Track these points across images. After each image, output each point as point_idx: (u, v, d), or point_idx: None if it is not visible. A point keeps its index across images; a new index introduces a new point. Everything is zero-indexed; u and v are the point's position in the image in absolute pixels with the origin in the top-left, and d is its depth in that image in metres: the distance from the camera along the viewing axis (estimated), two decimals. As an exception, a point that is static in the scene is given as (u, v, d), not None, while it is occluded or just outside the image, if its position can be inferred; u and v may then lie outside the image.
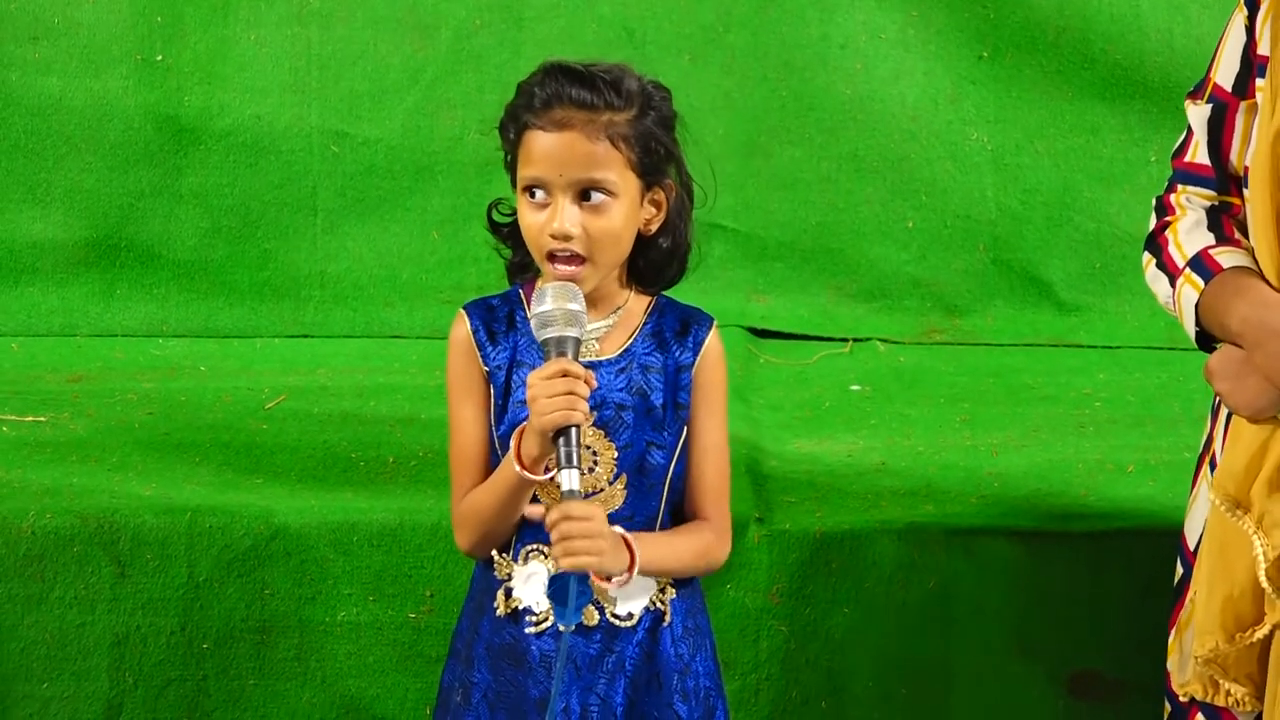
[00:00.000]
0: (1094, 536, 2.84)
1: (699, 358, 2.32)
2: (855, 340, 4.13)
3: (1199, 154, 2.35)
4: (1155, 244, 2.37)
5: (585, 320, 2.20)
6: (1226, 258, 2.26)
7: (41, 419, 3.36)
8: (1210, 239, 2.30)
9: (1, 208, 4.11)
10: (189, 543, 2.82)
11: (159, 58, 4.13)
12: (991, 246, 4.20)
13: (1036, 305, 4.19)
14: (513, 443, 2.20)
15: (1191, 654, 2.26)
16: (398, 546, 2.83)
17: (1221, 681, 2.23)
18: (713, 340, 2.34)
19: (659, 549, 2.27)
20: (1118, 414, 3.57)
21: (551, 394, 2.13)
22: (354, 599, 2.83)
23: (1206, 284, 2.24)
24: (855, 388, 3.78)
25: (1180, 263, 2.30)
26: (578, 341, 2.18)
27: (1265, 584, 2.17)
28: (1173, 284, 2.31)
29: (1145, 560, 2.81)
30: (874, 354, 4.07)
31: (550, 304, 2.18)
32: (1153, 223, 2.40)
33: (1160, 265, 2.34)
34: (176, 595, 2.82)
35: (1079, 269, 4.20)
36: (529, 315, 2.23)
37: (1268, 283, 2.22)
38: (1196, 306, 2.27)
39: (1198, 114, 2.36)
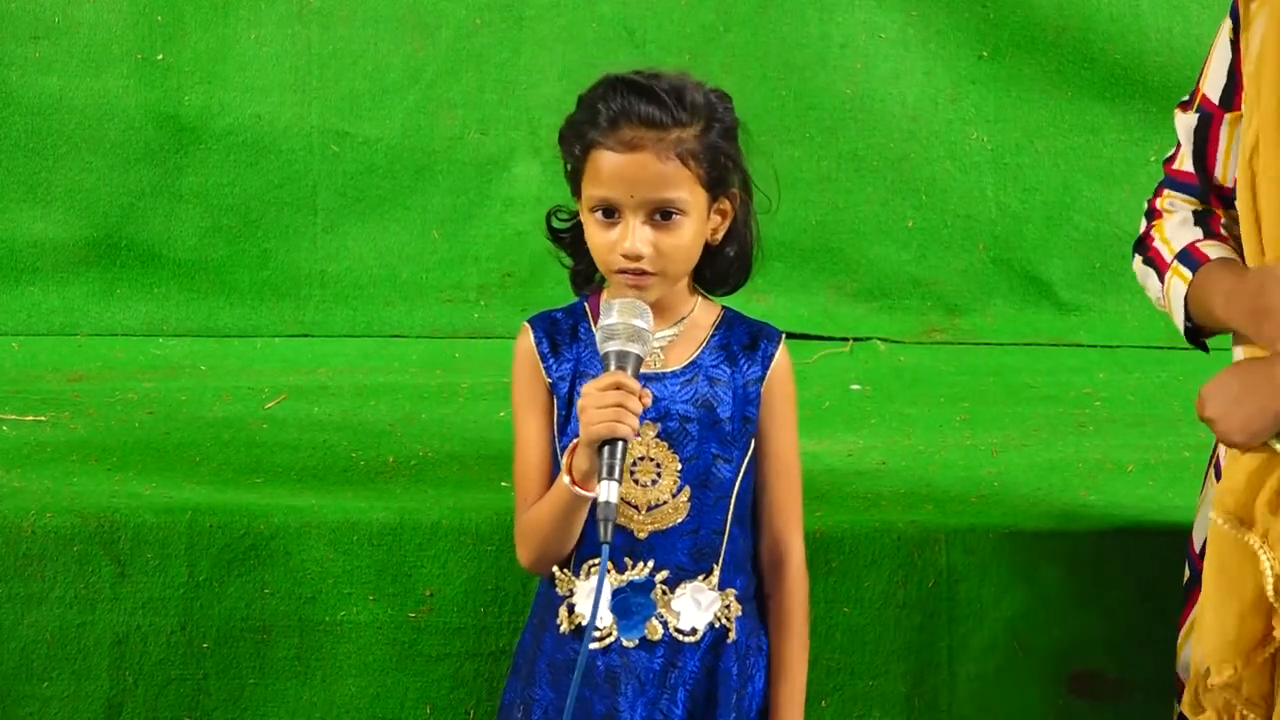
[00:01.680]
0: (1094, 536, 2.83)
1: (769, 372, 2.32)
2: (855, 340, 4.13)
3: (1186, 162, 2.37)
4: (1143, 244, 2.39)
5: (650, 339, 2.18)
6: (1214, 249, 2.27)
7: (41, 419, 3.36)
8: (1198, 234, 2.31)
9: (2, 207, 4.11)
10: (189, 542, 2.82)
11: (159, 57, 4.14)
12: (991, 246, 4.21)
13: (1036, 305, 4.20)
14: (565, 459, 2.19)
15: (1202, 678, 2.23)
16: (398, 546, 2.82)
17: (1236, 706, 2.21)
18: (782, 355, 2.34)
19: (797, 693, 2.32)
20: (1118, 414, 3.57)
21: (602, 404, 2.11)
22: (354, 599, 2.83)
23: (1194, 274, 2.25)
24: (855, 387, 3.78)
25: (1168, 256, 2.31)
26: (639, 359, 2.16)
27: (1274, 599, 2.15)
28: (1162, 278, 2.32)
29: (1145, 560, 2.81)
30: (874, 354, 4.07)
31: (616, 318, 2.17)
32: (1142, 227, 2.42)
33: (1148, 261, 2.36)
34: (176, 595, 2.82)
35: (1079, 269, 4.20)
36: (596, 327, 2.21)
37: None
38: (1186, 299, 2.27)
39: (1184, 123, 2.38)
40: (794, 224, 4.18)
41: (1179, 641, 2.37)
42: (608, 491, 2.10)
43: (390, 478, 3.06)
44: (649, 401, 2.16)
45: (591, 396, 2.13)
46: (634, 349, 2.15)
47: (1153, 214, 2.40)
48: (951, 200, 4.19)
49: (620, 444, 2.11)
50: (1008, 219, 4.20)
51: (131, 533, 2.81)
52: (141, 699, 2.83)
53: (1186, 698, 2.28)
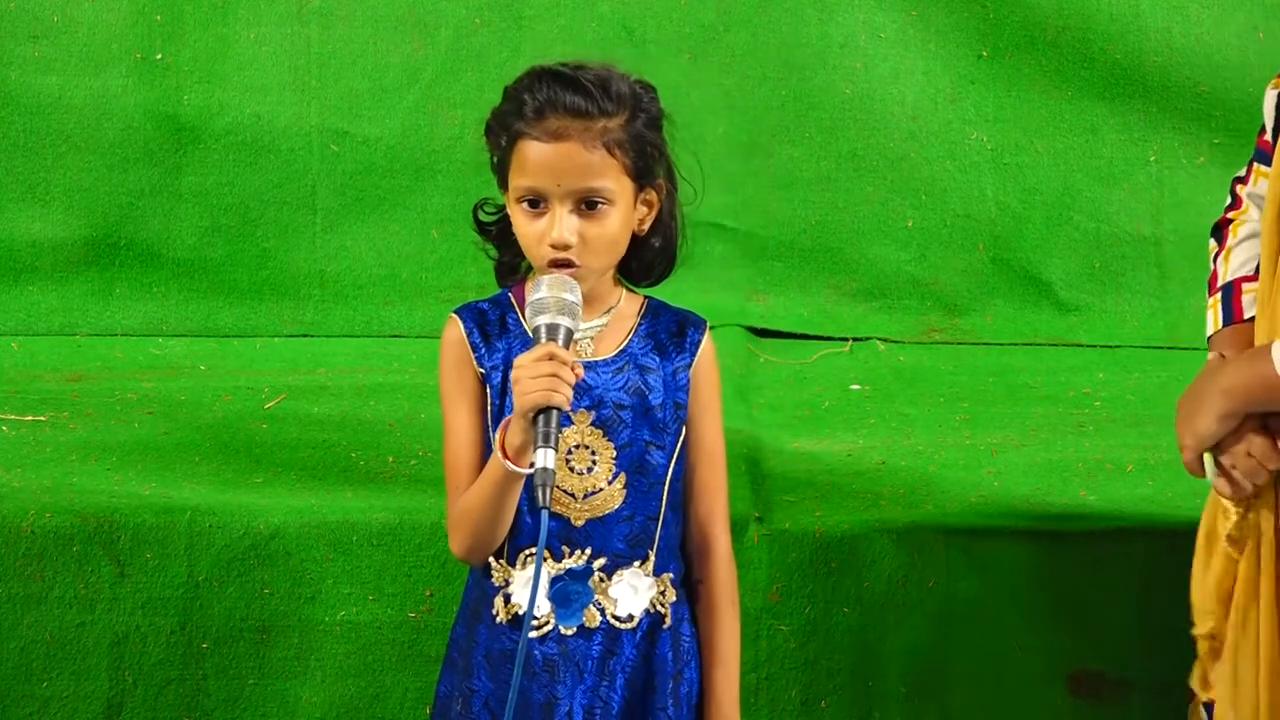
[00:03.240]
0: (1094, 536, 2.83)
1: (695, 359, 2.32)
2: (855, 340, 4.13)
3: (1270, 134, 2.42)
4: (1220, 235, 2.46)
5: (580, 313, 2.19)
6: (1251, 301, 2.35)
7: (41, 419, 3.36)
8: (1252, 264, 2.38)
9: (1, 207, 4.11)
10: (188, 542, 2.81)
11: (158, 56, 4.13)
12: (991, 246, 4.20)
13: (1036, 305, 4.19)
14: (497, 436, 2.19)
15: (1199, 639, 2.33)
16: (397, 546, 2.82)
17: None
18: (707, 342, 2.34)
19: (731, 677, 2.33)
20: (1117, 414, 3.57)
21: (536, 374, 2.12)
22: (354, 599, 2.83)
23: (1222, 327, 2.36)
24: (855, 387, 3.78)
25: (1220, 280, 2.40)
26: (570, 332, 2.17)
27: (1226, 545, 2.25)
28: (1209, 293, 2.42)
29: (1145, 560, 2.81)
30: (874, 353, 4.07)
31: (545, 292, 2.18)
32: (1226, 202, 2.48)
33: (1215, 258, 2.44)
34: (176, 595, 2.82)
35: (1079, 269, 4.20)
36: (526, 302, 2.22)
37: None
38: (1209, 339, 2.40)
39: (1270, 97, 2.41)
40: (794, 224, 4.18)
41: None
42: (544, 458, 2.11)
43: (390, 478, 3.06)
44: (580, 373, 2.17)
45: (525, 368, 2.13)
46: (564, 321, 2.17)
47: (1234, 199, 2.46)
48: (951, 200, 4.19)
49: (555, 413, 2.12)
50: (1008, 219, 4.20)
51: (131, 533, 2.81)
52: (141, 699, 2.83)
53: (1194, 671, 2.35)
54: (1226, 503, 2.26)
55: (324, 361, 3.89)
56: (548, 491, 2.10)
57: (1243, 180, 2.47)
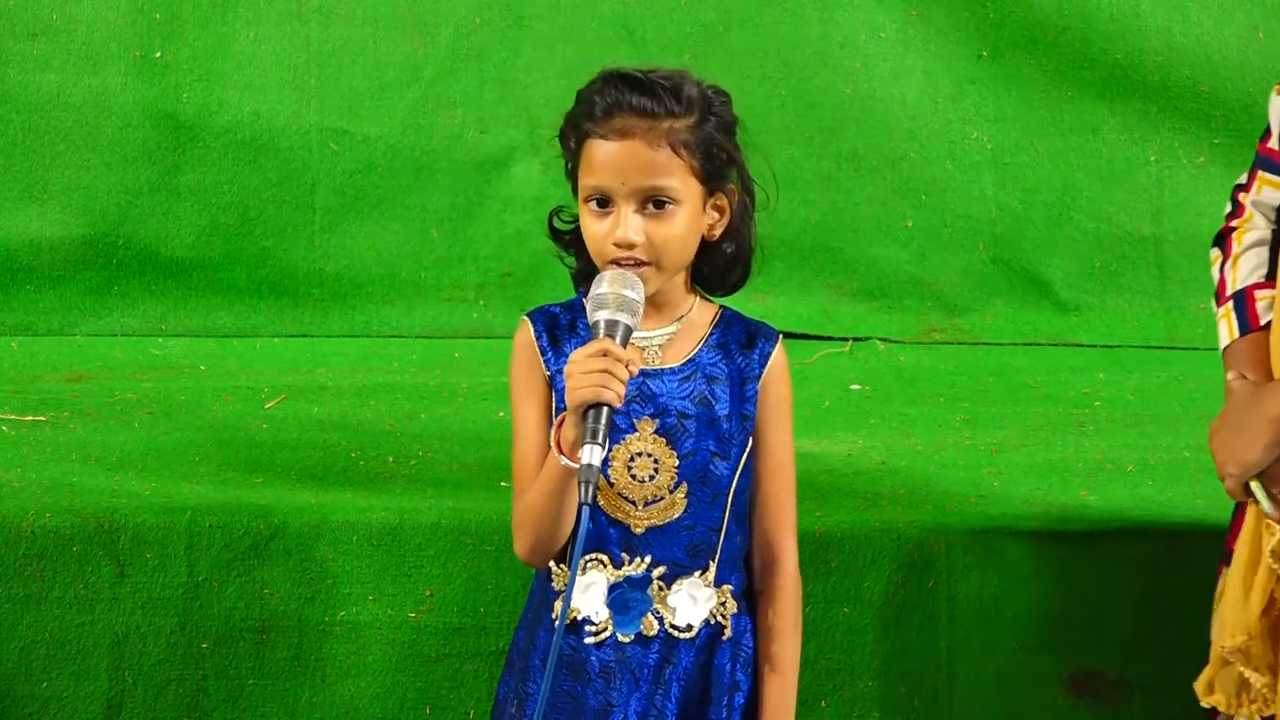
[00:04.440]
0: (1094, 536, 2.84)
1: (765, 371, 2.31)
2: (855, 340, 4.13)
3: (1275, 141, 2.42)
4: (1223, 244, 2.45)
5: (640, 310, 2.18)
6: (1266, 307, 2.35)
7: (41, 419, 3.36)
8: (1262, 271, 2.39)
9: (-1, 205, 4.11)
10: (188, 542, 2.82)
11: (157, 55, 4.13)
12: (991, 246, 4.21)
13: (1036, 305, 4.20)
14: (553, 431, 2.19)
15: (1218, 656, 2.32)
16: (397, 546, 2.82)
17: (1245, 672, 2.29)
18: (778, 354, 2.33)
19: (790, 691, 2.34)
20: (1117, 414, 3.57)
21: (588, 370, 2.12)
22: (354, 599, 2.83)
23: (1239, 336, 2.36)
24: (855, 387, 3.78)
25: (1229, 288, 2.40)
26: (629, 329, 2.17)
27: (1272, 561, 2.25)
28: (1217, 303, 2.42)
29: (1145, 560, 2.81)
30: (874, 353, 4.07)
31: (606, 288, 2.17)
32: (1226, 209, 2.48)
33: (1221, 267, 2.43)
34: (176, 595, 2.82)
35: (1079, 268, 4.20)
36: (588, 297, 2.21)
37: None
38: (1224, 349, 2.39)
39: (1276, 103, 2.42)
40: (794, 224, 4.17)
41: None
42: (590, 454, 2.10)
43: (390, 478, 3.06)
44: (635, 371, 2.16)
45: (578, 363, 2.14)
46: (623, 318, 2.16)
47: (1236, 206, 2.46)
48: (951, 200, 4.19)
49: (604, 409, 2.11)
50: (1008, 219, 4.20)
51: (131, 533, 2.81)
52: (141, 699, 2.83)
53: (1202, 676, 2.35)
54: (1271, 523, 2.27)
55: (324, 361, 3.89)
56: (590, 488, 2.09)
57: (1244, 188, 2.46)
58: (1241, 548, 2.31)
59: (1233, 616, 2.29)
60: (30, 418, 3.37)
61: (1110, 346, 4.13)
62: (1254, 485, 2.25)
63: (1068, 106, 4.19)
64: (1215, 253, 2.46)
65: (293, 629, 2.83)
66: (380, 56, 4.17)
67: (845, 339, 4.13)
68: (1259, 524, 2.29)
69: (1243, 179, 2.48)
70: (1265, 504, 2.24)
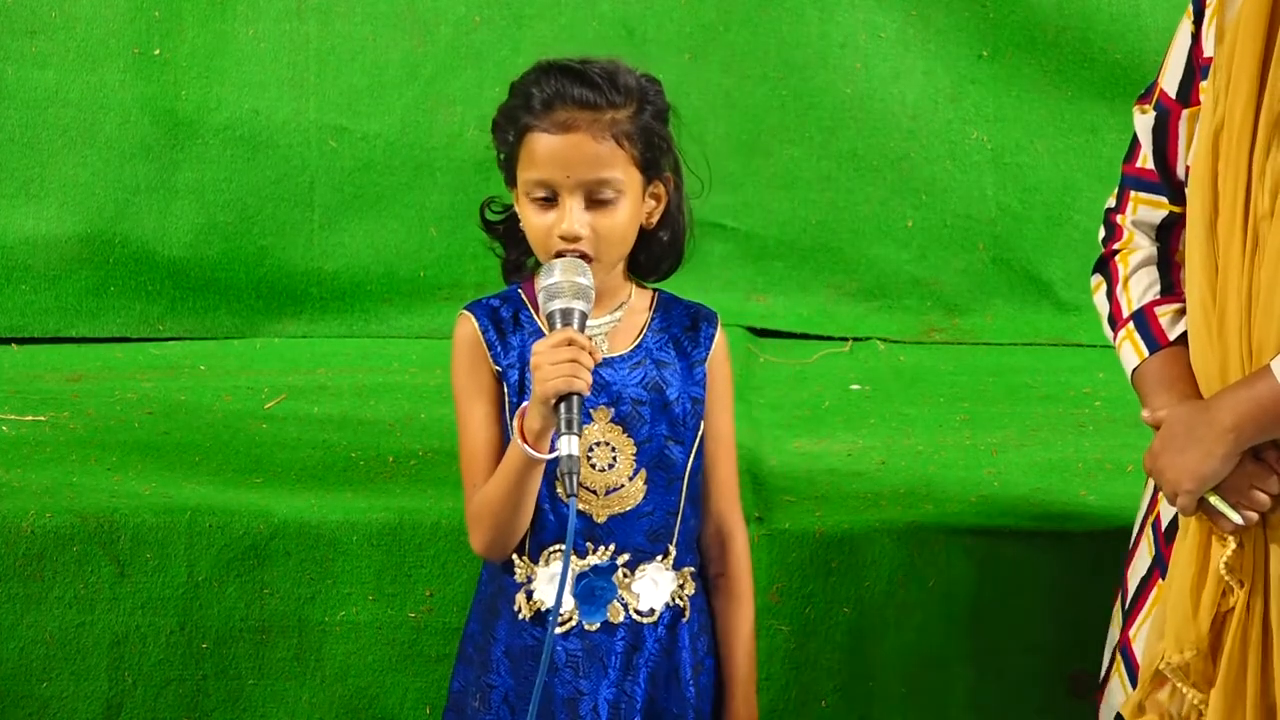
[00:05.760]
0: (1094, 536, 2.84)
1: (710, 353, 2.34)
2: (855, 339, 4.13)
3: (1148, 161, 2.41)
4: (1106, 269, 2.42)
5: (592, 297, 2.19)
6: (1170, 321, 2.32)
7: (41, 419, 3.36)
8: (1156, 288, 2.36)
9: (-4, 203, 4.10)
10: (188, 542, 2.82)
11: (156, 52, 4.13)
12: (991, 246, 4.21)
13: (1036, 305, 4.20)
14: (515, 422, 2.19)
15: (1148, 677, 2.28)
16: (398, 546, 2.83)
17: (1183, 688, 2.25)
18: (720, 335, 2.36)
19: (750, 663, 2.36)
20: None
21: (555, 361, 2.13)
22: (354, 599, 2.83)
23: (1149, 355, 2.32)
24: (855, 387, 3.78)
25: (1125, 310, 2.37)
26: (584, 315, 2.18)
27: (1225, 573, 2.21)
28: (1114, 327, 2.38)
29: (1145, 560, 2.81)
30: (874, 353, 4.07)
31: (559, 276, 2.18)
32: (1101, 234, 2.45)
33: (1108, 294, 2.40)
34: (176, 595, 2.82)
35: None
36: (538, 288, 2.21)
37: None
38: (1132, 372, 2.35)
39: (1143, 121, 2.41)
40: (794, 224, 4.18)
41: (1131, 633, 2.38)
42: (569, 445, 2.11)
43: (390, 478, 3.06)
44: (599, 357, 2.18)
45: (544, 354, 2.14)
46: (579, 305, 2.17)
47: (1113, 230, 2.42)
48: (951, 200, 4.19)
49: (576, 398, 2.12)
50: (1008, 219, 4.20)
51: (131, 533, 2.81)
52: (140, 699, 2.83)
53: (1132, 699, 2.31)
54: (1224, 535, 2.23)
55: (324, 361, 3.89)
56: (573, 480, 2.10)
57: (1117, 210, 2.43)
58: (1184, 561, 2.26)
59: (1178, 631, 2.24)
60: (30, 418, 3.36)
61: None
62: (1214, 499, 2.21)
63: (1068, 106, 4.19)
64: (1097, 279, 2.42)
65: (293, 629, 2.83)
66: (379, 54, 4.17)
67: (845, 339, 4.13)
68: (1205, 536, 2.24)
69: (1111, 202, 2.45)
70: (1233, 515, 2.20)
